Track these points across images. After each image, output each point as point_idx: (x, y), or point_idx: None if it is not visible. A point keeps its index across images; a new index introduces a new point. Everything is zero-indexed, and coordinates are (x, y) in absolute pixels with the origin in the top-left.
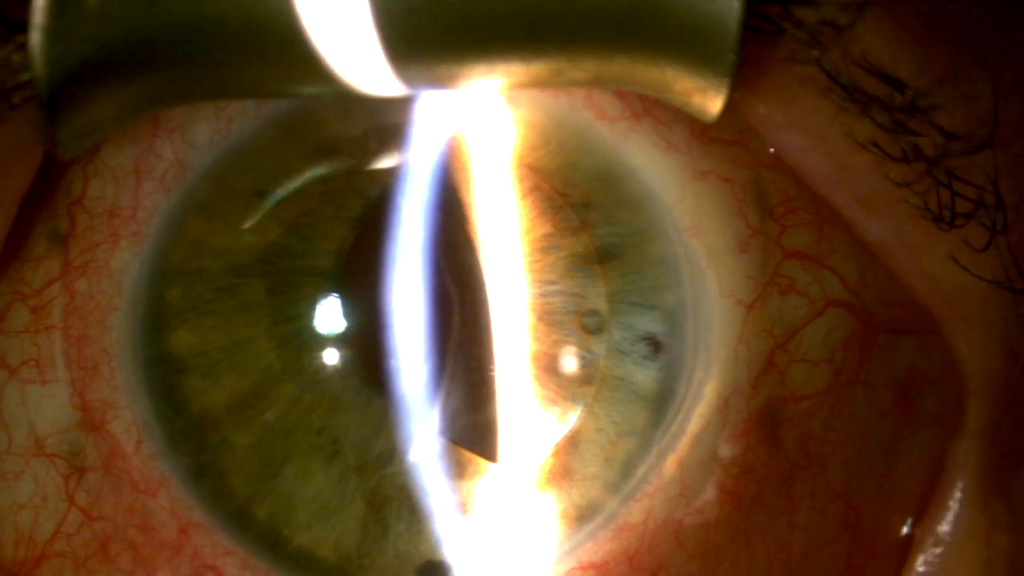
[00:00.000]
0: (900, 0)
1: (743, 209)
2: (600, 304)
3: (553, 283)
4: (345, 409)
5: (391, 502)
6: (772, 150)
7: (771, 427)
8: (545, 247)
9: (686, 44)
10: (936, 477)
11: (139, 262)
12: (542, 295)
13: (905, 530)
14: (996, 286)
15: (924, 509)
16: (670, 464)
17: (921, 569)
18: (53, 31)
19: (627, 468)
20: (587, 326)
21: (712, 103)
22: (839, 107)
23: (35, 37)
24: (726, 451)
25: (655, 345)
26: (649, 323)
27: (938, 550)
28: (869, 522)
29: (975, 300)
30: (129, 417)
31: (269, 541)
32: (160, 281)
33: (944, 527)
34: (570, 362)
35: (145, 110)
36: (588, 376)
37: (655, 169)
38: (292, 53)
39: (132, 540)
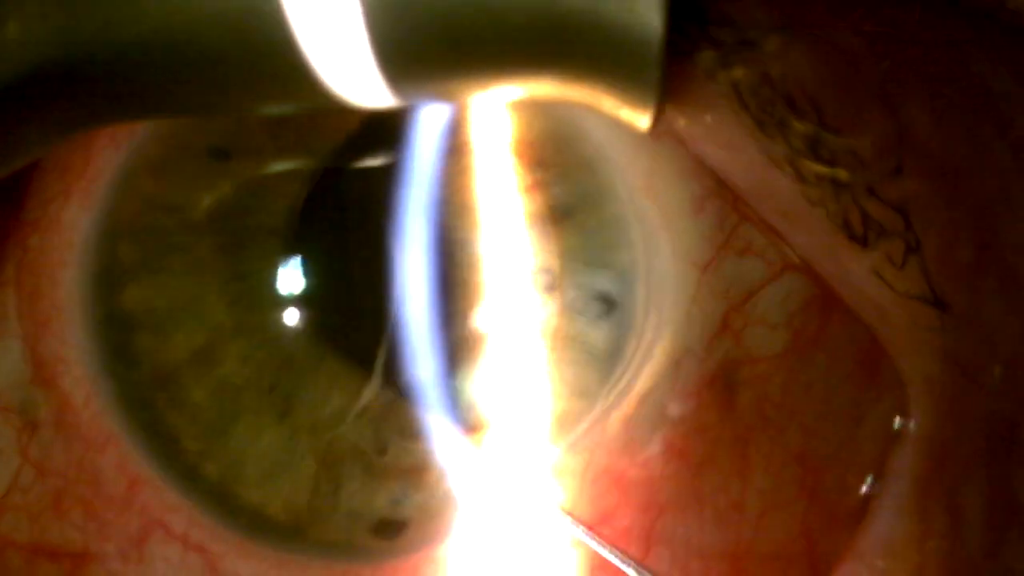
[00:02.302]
0: (819, 27)
1: (699, 171)
2: (553, 262)
3: (511, 238)
4: (297, 368)
5: (343, 461)
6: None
7: (725, 388)
8: (501, 205)
9: (611, 61)
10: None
11: (90, 218)
12: (494, 252)
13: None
14: (918, 301)
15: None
16: (614, 420)
17: (853, 570)
18: None
19: (572, 423)
20: (540, 284)
21: (641, 116)
22: (753, 126)
23: None
24: (675, 410)
25: (608, 304)
26: (602, 282)
27: (876, 559)
28: (828, 486)
29: (904, 311)
30: (79, 372)
31: (218, 498)
32: (111, 237)
33: (880, 532)
34: (522, 320)
35: (85, 128)
36: (541, 335)
37: (608, 130)
38: (282, 68)
39: (83, 495)
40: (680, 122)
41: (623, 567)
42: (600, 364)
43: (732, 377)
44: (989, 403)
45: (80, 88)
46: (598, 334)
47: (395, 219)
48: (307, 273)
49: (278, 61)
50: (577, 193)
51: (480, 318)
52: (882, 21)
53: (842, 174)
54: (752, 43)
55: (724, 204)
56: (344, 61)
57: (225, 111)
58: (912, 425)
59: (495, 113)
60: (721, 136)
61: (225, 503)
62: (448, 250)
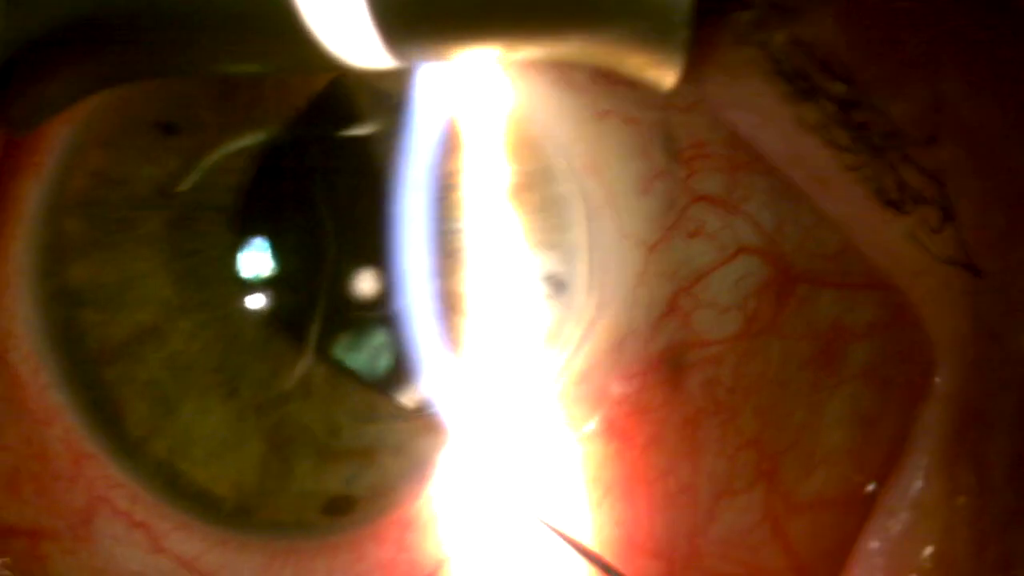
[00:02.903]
0: None
1: (648, 150)
2: (506, 242)
3: (456, 220)
4: (244, 347)
5: (292, 441)
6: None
7: (673, 370)
8: (448, 185)
9: (640, 20)
10: (898, 440)
11: (39, 192)
12: (446, 232)
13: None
14: (953, 265)
15: (888, 472)
16: (552, 399)
17: (884, 530)
18: (4, 6)
19: (511, 398)
20: (494, 263)
21: (667, 76)
22: (786, 91)
23: None
24: (617, 389)
25: (557, 285)
26: (550, 263)
27: (902, 513)
28: (788, 474)
29: (938, 274)
30: (27, 347)
31: (164, 476)
32: (59, 212)
33: (909, 490)
34: (469, 299)
35: (104, 86)
36: (490, 313)
37: (553, 109)
38: (279, 27)
39: (32, 471)
40: (708, 87)
41: (578, 554)
42: (546, 341)
43: (680, 359)
44: (1016, 368)
45: (104, 43)
46: (547, 314)
47: (344, 197)
48: (255, 251)
49: (274, 18)
50: (524, 172)
51: (432, 297)
52: None
53: (877, 141)
54: (786, 8)
55: (674, 185)
56: (345, 22)
57: (227, 70)
58: (939, 381)
59: (443, 91)
60: (753, 102)
61: (172, 481)
62: (401, 230)
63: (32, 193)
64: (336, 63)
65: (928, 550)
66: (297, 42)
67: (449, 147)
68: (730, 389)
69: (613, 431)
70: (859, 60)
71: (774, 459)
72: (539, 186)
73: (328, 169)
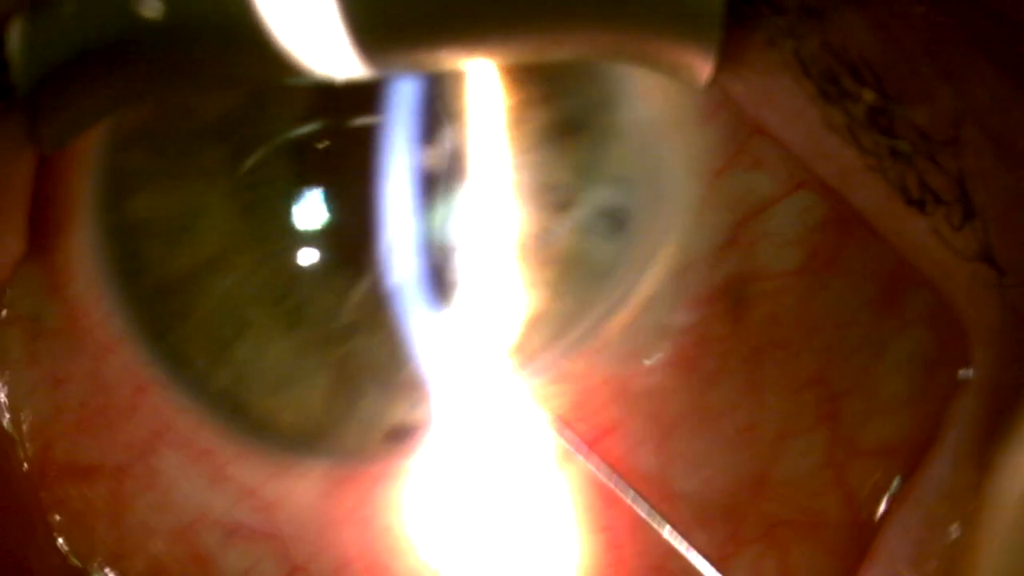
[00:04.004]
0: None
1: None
2: (566, 177)
3: (525, 154)
4: (307, 280)
5: (355, 372)
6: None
7: (735, 302)
8: (513, 119)
9: (672, 19)
10: (932, 423)
11: (103, 124)
12: (515, 168)
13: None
14: (976, 262)
15: (918, 460)
16: (616, 323)
17: (910, 514)
18: (31, 35)
19: (569, 324)
20: (555, 201)
21: (698, 75)
22: (814, 94)
23: (14, 40)
24: (681, 319)
25: (616, 217)
26: (612, 196)
27: (930, 498)
28: (850, 417)
29: (965, 268)
30: (90, 277)
31: (228, 405)
32: (122, 143)
33: (937, 474)
34: (537, 238)
35: (123, 105)
36: (554, 253)
37: None
38: (260, 48)
39: (97, 404)
40: (738, 88)
41: (617, 489)
42: (605, 274)
43: (742, 292)
44: None
45: (132, 64)
46: (607, 248)
47: (413, 131)
48: (319, 183)
49: (246, 38)
50: (586, 104)
51: (500, 236)
52: None
53: (901, 143)
54: (815, 11)
55: (734, 116)
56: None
57: (205, 88)
58: (972, 373)
59: None
60: (781, 102)
61: (234, 409)
62: (470, 166)
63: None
64: (309, 75)
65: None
66: (266, 56)
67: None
68: (792, 325)
69: (679, 362)
70: (888, 66)
71: (835, 401)
72: (603, 117)
73: (394, 104)
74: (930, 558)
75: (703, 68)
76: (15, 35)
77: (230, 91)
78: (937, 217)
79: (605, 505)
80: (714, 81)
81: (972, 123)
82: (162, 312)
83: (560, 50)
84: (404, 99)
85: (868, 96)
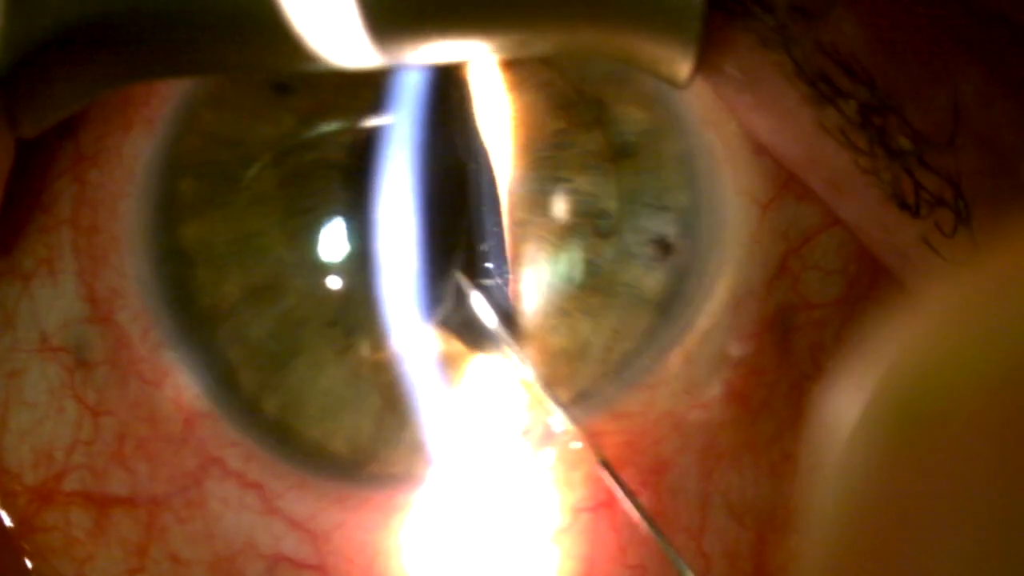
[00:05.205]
0: None
1: None
2: (611, 205)
3: (566, 181)
4: (359, 303)
5: (402, 397)
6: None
7: (783, 332)
8: (559, 143)
9: (651, 13)
10: None
11: (151, 150)
12: (555, 193)
13: None
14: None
15: None
16: (674, 358)
17: None
18: (10, 11)
19: (627, 360)
20: (598, 228)
21: (679, 71)
22: (807, 94)
23: None
24: (735, 350)
25: (665, 247)
26: (660, 224)
27: None
28: None
29: (947, 278)
30: (137, 307)
31: (278, 434)
32: (172, 171)
33: None
34: (579, 265)
35: (109, 87)
36: (596, 282)
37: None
38: (266, 28)
39: (139, 435)
40: (728, 90)
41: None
42: (654, 306)
43: (789, 321)
44: None
45: (107, 45)
46: (653, 278)
47: (460, 154)
48: (369, 207)
49: (258, 19)
50: (639, 131)
51: (539, 261)
52: None
53: (895, 145)
54: (806, 11)
55: None
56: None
57: (217, 70)
58: None
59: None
60: (772, 104)
61: (285, 438)
62: (512, 188)
63: (144, 151)
64: (322, 63)
65: None
66: (280, 42)
67: (562, 106)
68: (832, 354)
69: (732, 395)
70: (881, 65)
71: None
72: (656, 144)
73: (445, 124)
74: None
75: (683, 65)
76: None
77: (274, 113)
78: (928, 223)
79: (639, 545)
80: (702, 81)
81: (968, 123)
82: (212, 340)
83: (540, 45)
84: (456, 128)
85: (861, 93)
